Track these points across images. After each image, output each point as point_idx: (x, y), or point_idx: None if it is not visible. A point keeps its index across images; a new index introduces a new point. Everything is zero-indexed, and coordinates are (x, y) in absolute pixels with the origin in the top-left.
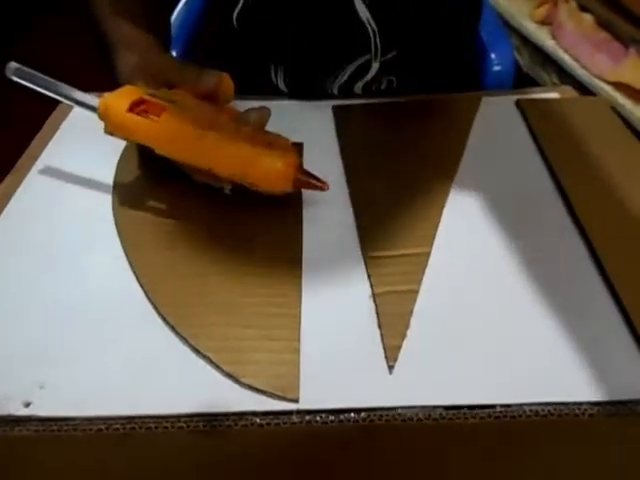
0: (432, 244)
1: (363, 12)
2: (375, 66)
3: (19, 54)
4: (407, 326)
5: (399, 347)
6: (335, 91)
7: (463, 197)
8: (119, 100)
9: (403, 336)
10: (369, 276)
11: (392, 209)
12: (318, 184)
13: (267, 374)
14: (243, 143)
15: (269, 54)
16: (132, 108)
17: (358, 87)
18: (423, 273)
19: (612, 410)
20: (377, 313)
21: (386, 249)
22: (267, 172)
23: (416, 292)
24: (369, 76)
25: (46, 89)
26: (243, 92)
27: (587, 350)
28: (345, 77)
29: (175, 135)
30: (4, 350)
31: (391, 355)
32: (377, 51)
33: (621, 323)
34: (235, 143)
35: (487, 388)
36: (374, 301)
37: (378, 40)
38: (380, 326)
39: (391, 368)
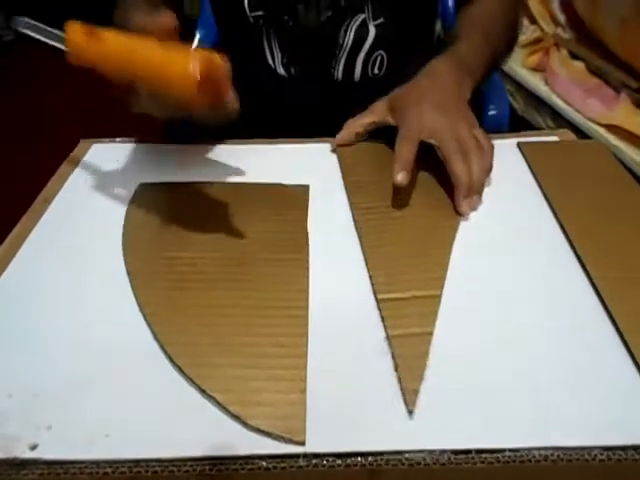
0: (443, 286)
1: None
2: (372, 30)
3: None
4: (424, 369)
5: (417, 391)
6: (338, 70)
7: (471, 238)
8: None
9: (421, 379)
10: (383, 318)
11: (402, 251)
12: (225, 92)
13: (274, 415)
14: (157, 46)
15: (267, 32)
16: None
17: (358, 62)
18: (436, 315)
19: (623, 455)
20: (393, 356)
21: (398, 291)
22: (172, 65)
23: (431, 334)
24: (367, 45)
25: (48, 39)
26: (241, 78)
27: (597, 395)
28: (347, 48)
29: (109, 43)
30: (13, 390)
31: (410, 399)
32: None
33: (632, 368)
34: (148, 44)
35: (496, 432)
36: (389, 344)
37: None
38: (397, 369)
39: (410, 413)
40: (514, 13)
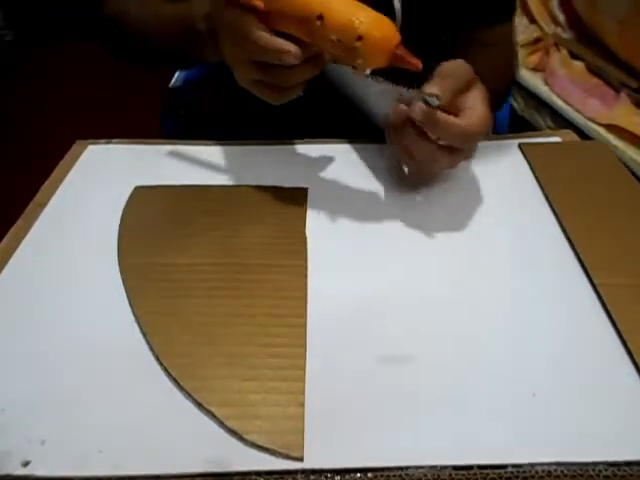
0: None
1: None
2: None
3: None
4: None
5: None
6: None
7: (471, 240)
8: None
9: None
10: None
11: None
12: (413, 61)
13: (271, 430)
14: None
15: None
16: None
17: None
18: None
19: (628, 471)
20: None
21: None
22: (376, 21)
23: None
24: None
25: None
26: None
27: (602, 409)
28: None
29: None
30: (6, 404)
31: None
32: None
33: (638, 382)
34: None
35: (498, 448)
36: None
37: None
38: None
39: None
40: (513, 68)
